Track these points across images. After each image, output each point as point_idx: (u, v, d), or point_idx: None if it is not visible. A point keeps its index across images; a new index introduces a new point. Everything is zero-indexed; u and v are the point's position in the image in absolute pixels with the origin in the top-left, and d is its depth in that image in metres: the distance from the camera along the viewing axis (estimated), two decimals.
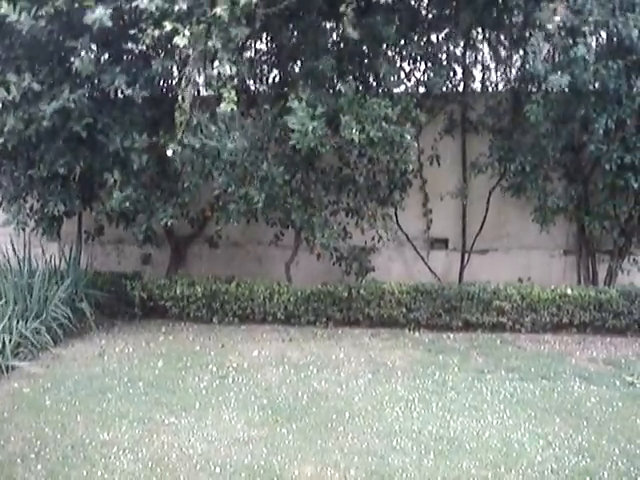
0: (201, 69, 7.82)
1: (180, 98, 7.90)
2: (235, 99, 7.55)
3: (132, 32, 7.78)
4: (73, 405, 6.77)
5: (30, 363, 7.91)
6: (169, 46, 7.66)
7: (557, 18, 7.83)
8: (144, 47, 8.01)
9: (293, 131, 8.01)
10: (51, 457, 5.72)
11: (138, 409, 6.67)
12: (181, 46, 7.33)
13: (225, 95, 7.56)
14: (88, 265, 9.79)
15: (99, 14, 7.07)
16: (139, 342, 8.67)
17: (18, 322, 8.15)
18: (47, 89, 8.09)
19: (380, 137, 8.20)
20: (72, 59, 7.85)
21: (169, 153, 8.11)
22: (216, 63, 7.64)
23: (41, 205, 9.00)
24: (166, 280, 9.56)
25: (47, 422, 6.37)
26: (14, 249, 9.66)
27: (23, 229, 9.21)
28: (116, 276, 9.78)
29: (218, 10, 7.23)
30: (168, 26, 7.19)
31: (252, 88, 9.72)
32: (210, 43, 7.37)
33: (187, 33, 7.24)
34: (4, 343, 7.78)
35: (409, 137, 8.43)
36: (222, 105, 7.55)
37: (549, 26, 7.81)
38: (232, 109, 7.55)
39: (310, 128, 7.90)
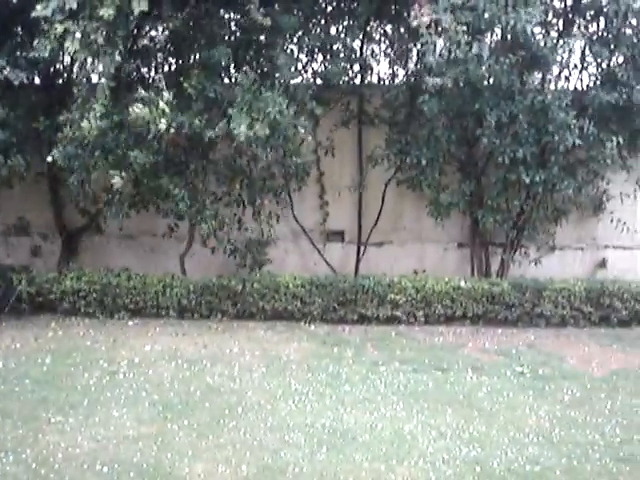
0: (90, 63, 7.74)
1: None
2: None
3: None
4: None
5: None
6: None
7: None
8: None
9: None
10: None
11: (23, 408, 6.42)
12: (72, 52, 7.28)
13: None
14: None
15: None
16: (27, 338, 8.36)
17: None
18: None
19: (269, 134, 8.09)
20: None
21: (49, 159, 8.03)
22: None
23: None
24: (55, 274, 9.25)
25: None
26: None
27: None
28: (3, 269, 9.37)
29: (103, 11, 7.21)
30: (59, 28, 7.15)
31: (146, 77, 9.46)
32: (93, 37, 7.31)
33: (78, 36, 7.11)
34: None
35: (303, 130, 8.40)
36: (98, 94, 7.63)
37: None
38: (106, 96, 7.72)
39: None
